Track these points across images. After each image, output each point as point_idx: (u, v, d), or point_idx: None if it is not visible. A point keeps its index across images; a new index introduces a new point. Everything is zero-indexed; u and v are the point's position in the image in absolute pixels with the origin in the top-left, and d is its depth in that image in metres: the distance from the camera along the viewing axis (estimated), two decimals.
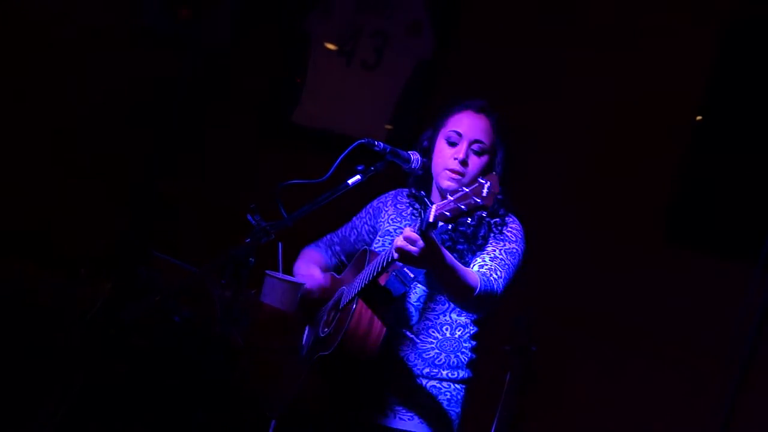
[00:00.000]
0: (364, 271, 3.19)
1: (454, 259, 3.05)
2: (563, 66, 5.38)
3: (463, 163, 3.30)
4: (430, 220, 2.81)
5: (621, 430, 4.89)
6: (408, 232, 2.90)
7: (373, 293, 3.14)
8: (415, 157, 3.33)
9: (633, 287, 4.98)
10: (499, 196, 2.79)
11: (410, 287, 3.25)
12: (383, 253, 3.10)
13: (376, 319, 3.14)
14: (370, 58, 6.03)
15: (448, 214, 2.78)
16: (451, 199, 2.80)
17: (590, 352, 5.03)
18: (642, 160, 5.11)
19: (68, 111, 6.09)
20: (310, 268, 3.57)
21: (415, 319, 3.28)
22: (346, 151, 3.27)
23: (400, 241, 2.91)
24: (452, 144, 3.35)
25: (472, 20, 5.79)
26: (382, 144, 3.29)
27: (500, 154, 3.36)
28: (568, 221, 5.20)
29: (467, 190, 2.78)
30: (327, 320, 3.38)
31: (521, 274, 3.34)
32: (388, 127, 5.91)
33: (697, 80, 5.04)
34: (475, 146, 3.33)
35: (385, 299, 3.17)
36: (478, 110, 3.39)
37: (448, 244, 3.27)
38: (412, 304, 3.28)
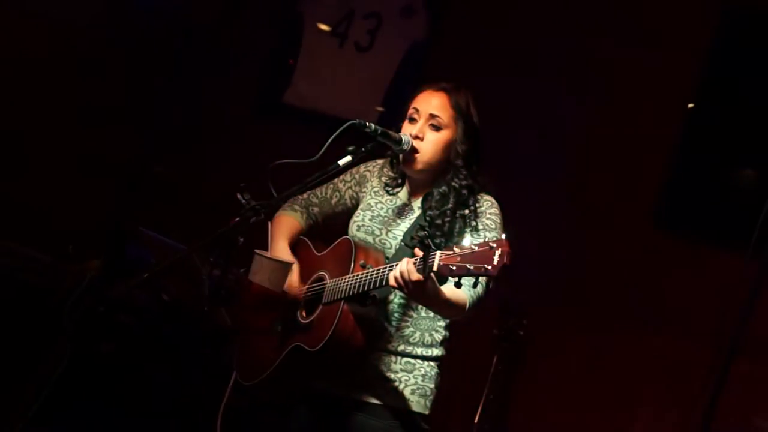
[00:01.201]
0: (352, 278, 3.17)
1: (446, 295, 3.07)
2: (557, 50, 5.38)
3: (417, 138, 3.32)
4: (434, 269, 2.85)
5: (607, 415, 4.91)
6: (411, 271, 2.92)
7: (359, 295, 3.17)
8: (406, 138, 3.33)
9: (622, 273, 4.99)
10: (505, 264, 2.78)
11: (394, 291, 3.27)
12: (380, 273, 3.08)
13: (359, 327, 3.17)
14: (363, 39, 6.02)
15: (453, 268, 2.81)
16: (459, 252, 2.81)
17: (578, 337, 5.04)
18: (634, 146, 5.12)
19: (58, 86, 6.07)
20: (286, 245, 3.55)
21: (394, 304, 3.30)
22: (337, 132, 3.26)
23: (399, 279, 2.94)
24: (412, 121, 3.37)
25: (465, 2, 5.78)
26: (373, 125, 3.29)
27: (461, 130, 3.36)
28: (558, 206, 5.21)
29: (476, 249, 2.79)
30: (306, 303, 3.37)
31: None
32: (380, 109, 5.91)
33: (691, 68, 5.05)
34: (431, 121, 3.34)
35: (370, 301, 3.20)
36: (436, 88, 3.40)
37: (426, 240, 3.28)
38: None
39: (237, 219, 3.10)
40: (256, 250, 3.38)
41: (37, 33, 6.00)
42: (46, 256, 5.03)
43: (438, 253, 2.86)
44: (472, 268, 2.77)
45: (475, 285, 2.95)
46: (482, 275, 2.77)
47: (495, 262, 2.74)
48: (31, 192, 5.86)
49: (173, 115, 6.20)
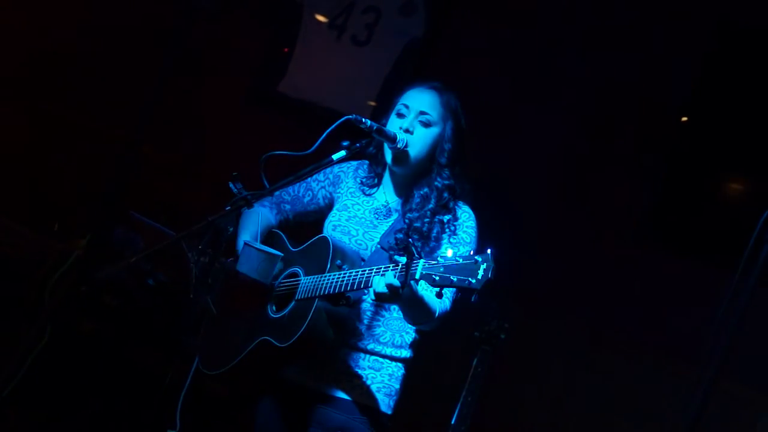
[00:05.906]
0: (329, 278, 3.16)
1: (421, 298, 3.08)
2: (554, 53, 5.39)
3: (407, 131, 3.33)
4: (417, 277, 2.83)
5: (586, 421, 4.93)
6: (391, 283, 2.90)
7: (333, 296, 3.16)
8: (401, 136, 3.33)
9: (608, 284, 5.01)
10: (486, 273, 2.76)
11: (368, 292, 3.26)
12: (359, 276, 3.06)
13: (330, 325, 3.17)
14: (361, 34, 6.00)
15: (437, 279, 2.79)
16: (443, 263, 2.80)
17: (559, 344, 5.05)
18: (627, 160, 5.13)
19: (53, 64, 6.03)
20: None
21: (366, 303, 3.30)
22: (333, 126, 3.26)
23: (381, 291, 2.93)
24: (400, 116, 3.38)
25: (464, 2, 5.78)
26: (369, 121, 3.29)
27: (449, 129, 3.36)
28: (546, 214, 5.22)
29: (461, 261, 2.77)
30: (277, 297, 3.35)
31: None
32: (372, 103, 5.89)
33: (684, 84, 5.07)
34: (421, 117, 3.35)
35: (344, 302, 3.20)
36: (427, 86, 3.42)
37: (411, 248, 3.27)
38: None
39: (228, 207, 3.10)
40: (246, 241, 3.38)
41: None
42: (32, 232, 5.00)
43: (421, 261, 2.84)
44: (455, 280, 2.77)
45: (439, 296, 2.94)
46: (465, 288, 2.76)
47: (479, 276, 2.74)
48: (22, 167, 5.83)
49: (166, 99, 6.16)
